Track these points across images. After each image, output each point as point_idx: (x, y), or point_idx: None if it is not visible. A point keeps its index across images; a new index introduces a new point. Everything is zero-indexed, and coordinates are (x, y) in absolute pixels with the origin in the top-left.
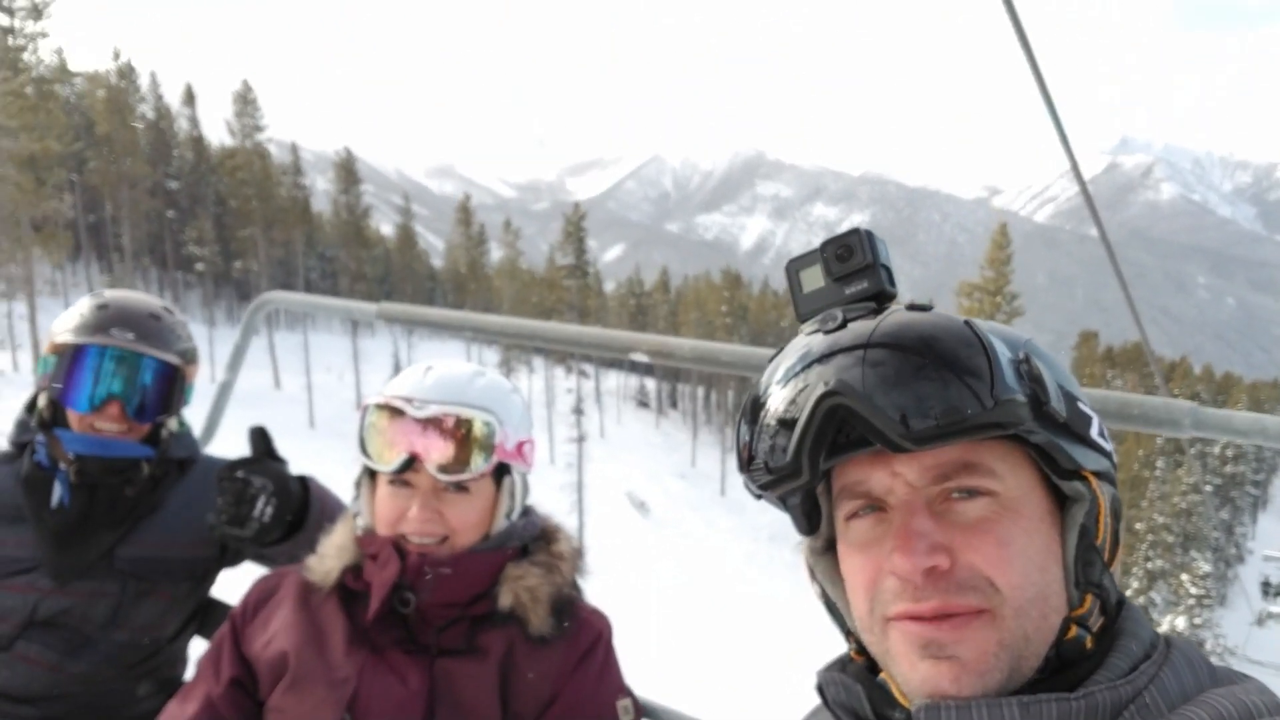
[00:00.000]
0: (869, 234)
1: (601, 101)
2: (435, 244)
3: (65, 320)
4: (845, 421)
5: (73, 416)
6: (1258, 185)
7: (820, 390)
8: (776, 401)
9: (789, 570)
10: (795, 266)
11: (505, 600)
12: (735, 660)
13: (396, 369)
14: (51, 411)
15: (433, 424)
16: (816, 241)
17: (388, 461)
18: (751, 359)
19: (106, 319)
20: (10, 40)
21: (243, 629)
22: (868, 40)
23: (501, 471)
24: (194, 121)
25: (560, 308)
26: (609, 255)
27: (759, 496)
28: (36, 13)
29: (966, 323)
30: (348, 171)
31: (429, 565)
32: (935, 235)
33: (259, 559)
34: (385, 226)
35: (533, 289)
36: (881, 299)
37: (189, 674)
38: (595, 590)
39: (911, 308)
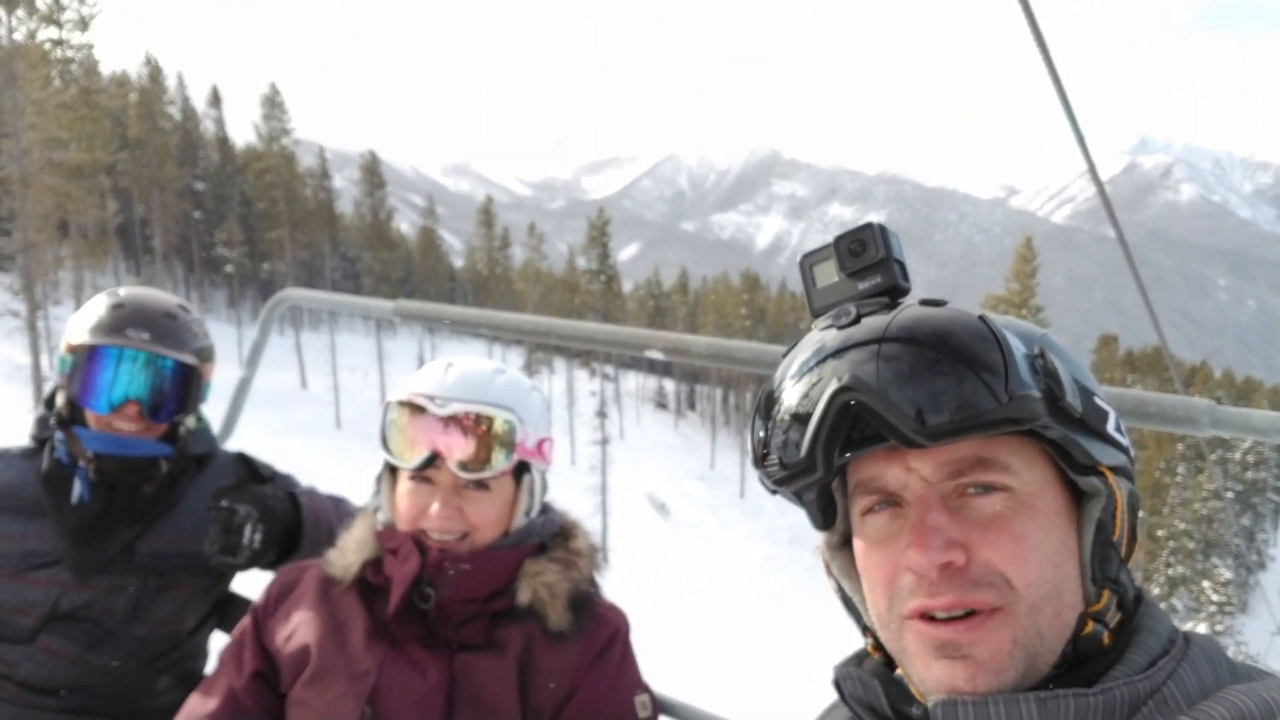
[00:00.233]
0: (882, 229)
1: (617, 100)
2: (452, 242)
3: (81, 319)
4: (859, 417)
5: (90, 416)
6: (1279, 186)
7: (834, 386)
8: (790, 397)
9: (808, 573)
10: (809, 261)
11: (524, 596)
12: (753, 660)
13: None
14: (70, 410)
15: (454, 422)
16: None
17: (409, 458)
18: (766, 356)
19: (122, 319)
20: (60, 52)
21: (264, 622)
22: (885, 38)
23: (521, 469)
24: (220, 123)
25: (583, 310)
26: (624, 254)
27: (774, 492)
28: (83, 24)
29: (981, 318)
30: (372, 174)
31: (449, 561)
32: (952, 235)
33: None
34: (403, 225)
35: (554, 291)
36: (895, 294)
37: (209, 667)
38: (618, 591)
39: (925, 303)
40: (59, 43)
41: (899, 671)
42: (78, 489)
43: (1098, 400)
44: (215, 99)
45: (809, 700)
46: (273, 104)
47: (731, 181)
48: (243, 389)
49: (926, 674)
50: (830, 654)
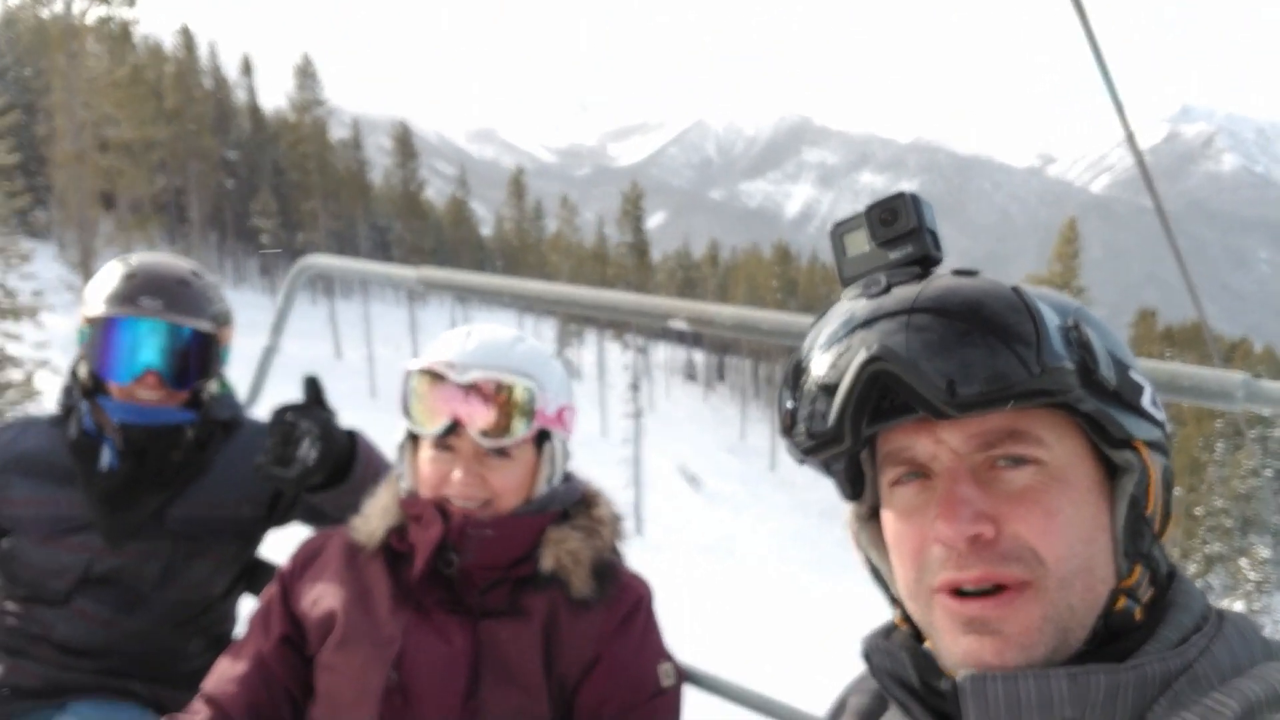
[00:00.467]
0: (915, 197)
1: (645, 65)
2: (478, 210)
3: (96, 289)
4: (889, 388)
5: (113, 386)
6: None
7: (863, 356)
8: (819, 367)
9: (838, 547)
10: (840, 230)
11: (547, 563)
12: (782, 633)
13: None
14: (93, 379)
15: (474, 389)
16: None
17: (431, 426)
18: (792, 326)
19: (135, 288)
20: (110, 28)
21: (291, 587)
22: (920, 2)
23: (542, 437)
24: (251, 91)
25: (614, 282)
26: (651, 222)
27: (801, 461)
28: (130, 0)
29: (1014, 288)
30: (404, 145)
31: (472, 527)
32: (986, 205)
33: (307, 517)
34: (428, 191)
35: (586, 264)
36: (927, 264)
37: (239, 631)
38: (650, 563)
39: (957, 273)
40: (107, 20)
41: (927, 644)
42: (106, 457)
43: (1133, 374)
44: (247, 68)
45: (837, 674)
46: (305, 74)
47: (760, 149)
48: (268, 357)
49: (954, 648)
50: (861, 626)
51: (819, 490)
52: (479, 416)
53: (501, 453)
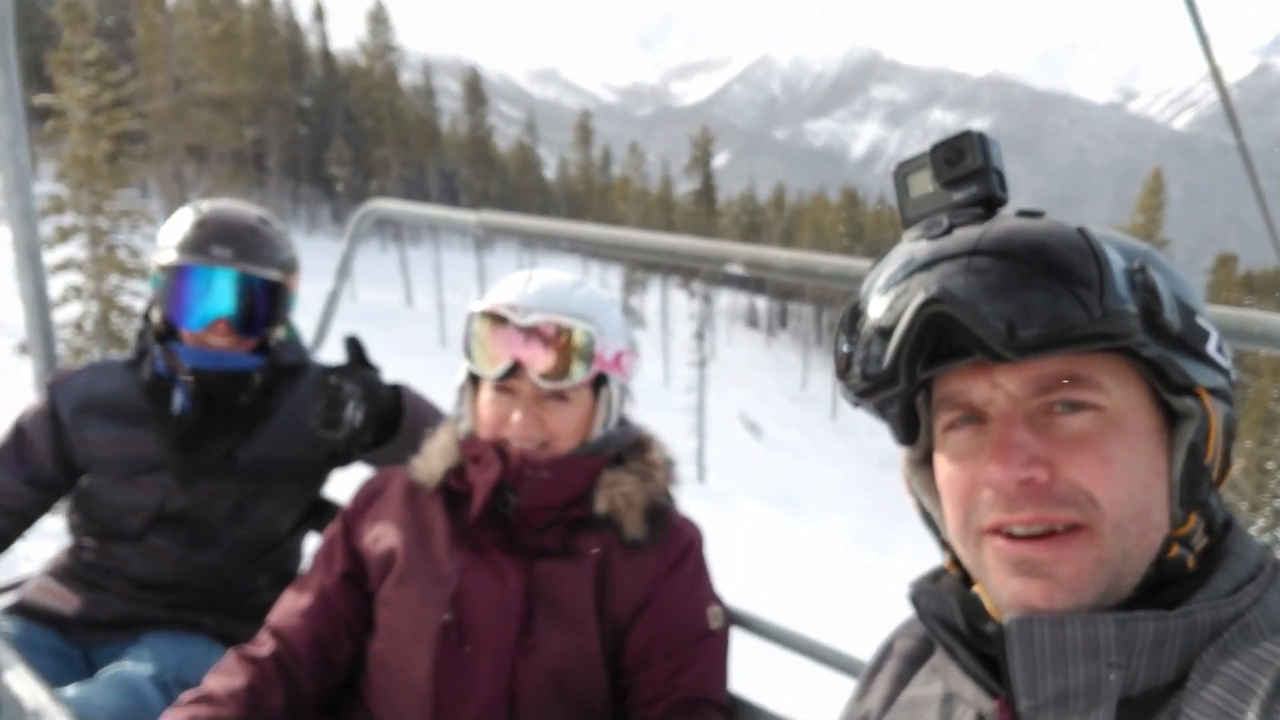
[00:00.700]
0: (981, 136)
1: None
2: (541, 153)
3: (168, 236)
4: (946, 331)
5: (184, 332)
6: None
7: (921, 297)
8: (876, 309)
9: (898, 495)
10: (903, 170)
11: (601, 505)
12: (839, 580)
13: None
14: (166, 324)
15: (535, 332)
16: None
17: (491, 368)
18: (850, 271)
19: (205, 237)
20: None
21: (353, 525)
22: None
23: (600, 381)
24: (324, 37)
25: (681, 230)
26: (714, 163)
27: (856, 404)
28: None
29: (1080, 230)
30: (474, 91)
31: (529, 468)
32: (1063, 143)
33: (366, 461)
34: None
35: (653, 211)
36: (992, 205)
37: (304, 567)
38: (711, 511)
39: (1022, 214)
40: None
41: (976, 588)
42: (178, 400)
43: (1199, 320)
44: (319, 12)
45: (891, 621)
46: (378, 20)
47: (827, 85)
48: (332, 301)
49: (1003, 590)
50: (913, 571)
51: (879, 439)
52: (539, 359)
53: (559, 396)
